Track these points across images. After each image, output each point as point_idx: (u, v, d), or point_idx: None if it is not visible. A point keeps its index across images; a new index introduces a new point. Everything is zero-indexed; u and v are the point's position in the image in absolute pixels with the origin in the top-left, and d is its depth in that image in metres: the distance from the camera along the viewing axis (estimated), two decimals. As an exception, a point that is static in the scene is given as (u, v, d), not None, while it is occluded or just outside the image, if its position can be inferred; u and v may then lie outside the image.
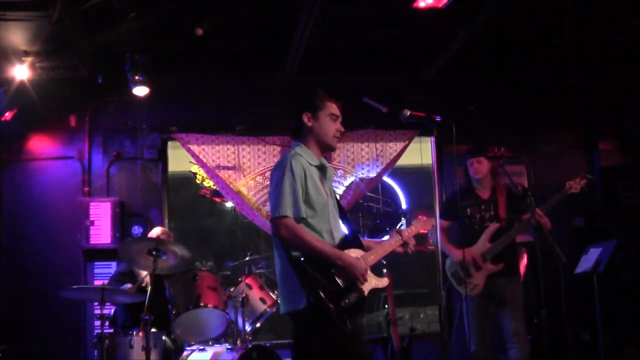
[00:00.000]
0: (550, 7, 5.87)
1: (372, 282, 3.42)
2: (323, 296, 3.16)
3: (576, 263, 5.74)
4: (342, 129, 3.51)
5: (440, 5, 5.35)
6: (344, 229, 3.59)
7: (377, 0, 5.68)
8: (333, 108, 3.49)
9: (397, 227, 3.81)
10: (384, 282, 3.51)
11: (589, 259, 5.62)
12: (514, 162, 6.79)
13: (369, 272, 3.39)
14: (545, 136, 7.43)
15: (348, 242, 3.44)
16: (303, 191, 3.31)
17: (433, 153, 3.32)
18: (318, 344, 3.24)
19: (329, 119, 3.46)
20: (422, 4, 5.36)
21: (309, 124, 3.45)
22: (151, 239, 5.20)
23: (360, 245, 3.48)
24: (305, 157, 3.40)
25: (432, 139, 3.30)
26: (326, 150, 3.55)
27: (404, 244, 3.66)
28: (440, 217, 5.18)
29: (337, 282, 3.25)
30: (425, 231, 3.96)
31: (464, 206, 5.08)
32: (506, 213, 5.03)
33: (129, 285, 5.18)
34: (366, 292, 3.36)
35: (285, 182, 3.28)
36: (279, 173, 3.34)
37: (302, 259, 3.24)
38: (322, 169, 3.49)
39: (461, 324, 5.19)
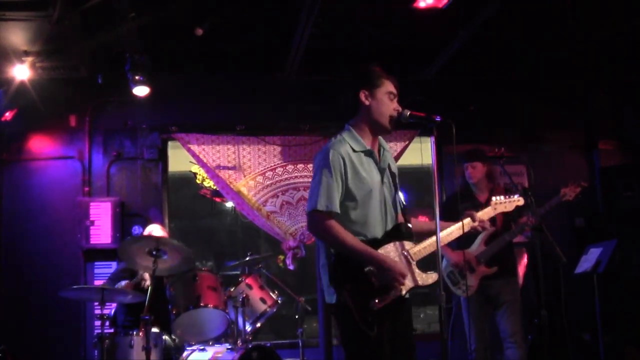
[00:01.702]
0: (550, 7, 5.87)
1: (417, 280, 3.20)
2: (348, 298, 3.04)
3: (576, 263, 5.74)
4: (400, 109, 3.31)
5: (440, 5, 5.35)
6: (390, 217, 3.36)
7: (377, 0, 5.68)
8: (390, 86, 3.33)
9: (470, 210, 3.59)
10: (432, 278, 3.22)
11: (589, 259, 5.62)
12: (514, 162, 6.80)
13: (413, 267, 3.20)
14: (545, 136, 7.43)
15: (396, 233, 3.26)
16: (342, 183, 3.17)
17: (433, 153, 3.32)
18: (345, 339, 3.17)
19: (386, 98, 3.29)
20: (422, 4, 5.36)
21: (366, 102, 3.29)
22: (151, 237, 5.19)
23: (409, 236, 3.28)
24: (350, 144, 3.25)
25: (432, 139, 3.29)
26: (380, 132, 3.35)
27: (473, 230, 3.47)
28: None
29: (370, 282, 3.08)
30: (509, 210, 3.79)
31: (461, 209, 5.06)
32: (502, 216, 5.02)
33: (124, 283, 5.18)
34: (405, 292, 3.16)
35: (322, 175, 3.15)
36: (317, 162, 3.23)
37: (334, 255, 3.13)
38: (370, 154, 3.31)
39: (456, 325, 5.19)
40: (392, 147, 6.99)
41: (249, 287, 5.25)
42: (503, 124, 7.21)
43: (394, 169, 3.46)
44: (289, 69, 6.72)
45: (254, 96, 6.96)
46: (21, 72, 5.91)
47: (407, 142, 7.02)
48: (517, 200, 3.88)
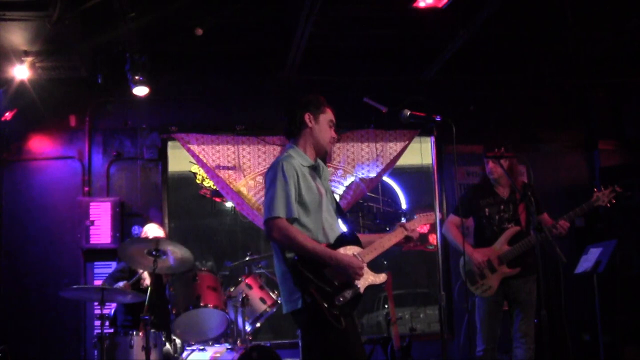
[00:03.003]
0: (550, 7, 5.87)
1: (369, 279, 3.44)
2: (316, 295, 3.20)
3: (576, 263, 5.74)
4: (336, 137, 3.61)
5: (440, 5, 5.35)
6: (342, 226, 3.62)
7: (377, 0, 5.68)
8: (331, 115, 3.58)
9: (400, 221, 3.84)
10: (381, 278, 3.51)
11: (589, 259, 5.62)
12: (514, 162, 6.79)
13: (365, 268, 3.41)
14: (545, 136, 7.44)
15: (345, 240, 3.47)
16: (296, 191, 3.35)
17: (433, 153, 3.33)
18: (317, 341, 3.30)
19: (326, 124, 3.54)
20: (422, 4, 5.37)
21: (310, 124, 3.52)
22: (151, 239, 5.19)
23: (357, 242, 3.50)
24: (297, 159, 3.46)
25: (432, 139, 3.30)
26: (320, 153, 3.60)
27: (407, 238, 3.68)
28: (455, 213, 5.18)
29: (331, 281, 3.29)
30: (429, 223, 3.92)
31: (482, 205, 4.98)
32: (525, 214, 4.98)
33: (122, 284, 5.18)
34: (362, 289, 3.38)
35: (277, 184, 3.33)
36: (271, 175, 3.40)
37: (295, 259, 3.28)
38: (315, 168, 3.54)
39: (469, 324, 5.13)
40: (391, 147, 7.01)
41: (249, 287, 5.25)
42: (503, 124, 7.21)
43: (328, 186, 3.67)
44: (289, 69, 6.72)
45: (254, 96, 6.97)
46: (21, 72, 5.91)
47: (407, 142, 7.02)
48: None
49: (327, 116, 3.55)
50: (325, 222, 3.44)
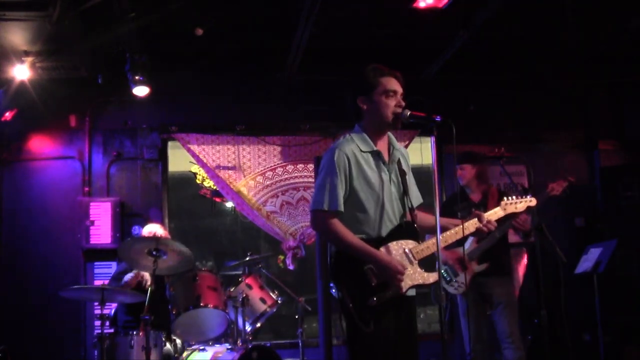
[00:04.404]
0: (550, 7, 5.87)
1: (418, 279, 3.22)
2: (344, 294, 3.11)
3: (576, 263, 5.74)
4: (402, 103, 3.29)
5: (440, 5, 5.35)
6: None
7: (377, 0, 5.68)
8: (388, 83, 3.30)
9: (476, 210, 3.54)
10: (432, 277, 3.25)
11: (589, 259, 5.63)
12: (514, 162, 6.80)
13: (415, 266, 3.23)
14: (545, 136, 7.44)
15: (399, 233, 3.28)
16: (346, 182, 3.21)
17: (433, 153, 3.31)
18: (346, 335, 3.20)
19: (384, 98, 3.27)
20: (422, 4, 5.37)
21: (365, 107, 3.32)
22: (151, 238, 5.19)
23: (414, 235, 3.30)
24: (357, 143, 3.29)
25: (432, 139, 3.29)
26: (387, 129, 3.37)
27: (479, 231, 3.47)
28: None
29: (368, 280, 3.12)
30: (520, 211, 3.66)
31: (455, 210, 5.09)
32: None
33: (131, 275, 5.18)
34: (405, 290, 3.17)
35: (326, 174, 3.22)
36: (324, 161, 3.28)
37: (335, 252, 3.21)
38: (378, 154, 3.33)
39: (454, 324, 5.20)
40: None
41: (249, 287, 5.25)
42: (503, 124, 7.22)
43: (405, 167, 3.46)
44: (289, 69, 6.71)
45: (253, 96, 6.96)
46: (21, 72, 5.90)
47: (407, 142, 7.02)
48: (529, 200, 3.73)
49: (381, 88, 3.27)
50: (379, 213, 3.25)
